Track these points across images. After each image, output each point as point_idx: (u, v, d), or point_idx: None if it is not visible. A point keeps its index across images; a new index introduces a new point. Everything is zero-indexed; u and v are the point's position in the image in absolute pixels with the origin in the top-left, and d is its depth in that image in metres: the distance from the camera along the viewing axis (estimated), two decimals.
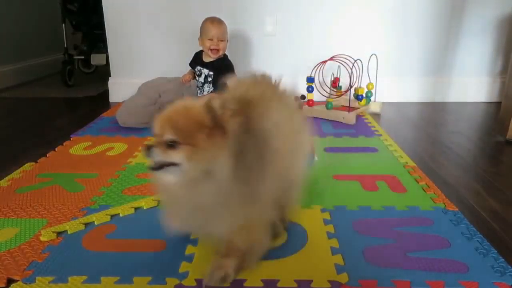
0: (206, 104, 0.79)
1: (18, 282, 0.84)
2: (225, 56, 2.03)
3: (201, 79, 2.02)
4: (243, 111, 0.82)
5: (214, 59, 1.98)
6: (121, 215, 1.11)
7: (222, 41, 1.95)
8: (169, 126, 0.79)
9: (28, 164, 1.47)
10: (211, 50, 1.95)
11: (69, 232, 1.02)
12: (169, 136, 0.78)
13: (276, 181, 0.88)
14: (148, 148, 0.80)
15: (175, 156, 0.79)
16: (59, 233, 1.01)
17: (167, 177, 0.82)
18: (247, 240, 0.85)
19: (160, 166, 0.80)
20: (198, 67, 2.02)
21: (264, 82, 0.98)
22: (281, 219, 1.00)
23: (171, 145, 0.78)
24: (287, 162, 0.92)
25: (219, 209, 0.82)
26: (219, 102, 0.78)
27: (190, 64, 2.06)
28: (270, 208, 0.89)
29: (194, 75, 2.06)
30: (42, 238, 0.99)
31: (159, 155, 0.79)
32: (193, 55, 2.06)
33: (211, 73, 1.98)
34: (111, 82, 2.52)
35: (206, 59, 1.99)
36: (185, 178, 0.80)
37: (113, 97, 2.52)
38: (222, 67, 1.98)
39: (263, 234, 0.88)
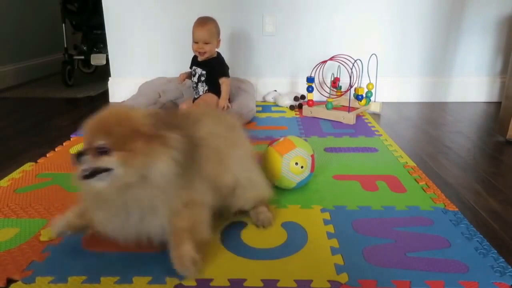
0: (147, 115, 0.81)
1: (18, 282, 0.84)
2: (218, 55, 2.02)
3: (195, 78, 2.01)
4: (180, 122, 0.88)
5: (207, 58, 1.98)
6: None
7: (207, 43, 1.91)
8: (100, 132, 0.79)
9: (28, 164, 1.47)
10: (198, 52, 1.95)
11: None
12: (100, 142, 0.78)
13: (207, 181, 0.92)
14: (78, 156, 0.79)
15: (108, 161, 0.78)
16: None
17: (99, 184, 0.80)
18: (189, 219, 0.86)
19: (91, 174, 0.79)
20: (194, 67, 2.02)
21: (204, 106, 1.08)
22: (263, 208, 1.07)
23: (103, 151, 0.78)
24: (218, 169, 0.96)
25: (154, 206, 0.82)
26: (158, 116, 0.82)
27: (190, 66, 2.07)
28: (204, 196, 0.90)
29: (191, 75, 2.06)
30: (42, 238, 0.99)
31: (90, 162, 0.79)
32: (190, 57, 2.06)
33: (204, 72, 1.98)
34: (111, 82, 2.52)
35: (200, 58, 1.99)
36: (115, 183, 0.79)
37: (113, 97, 2.52)
38: (215, 66, 1.98)
39: (202, 211, 0.89)
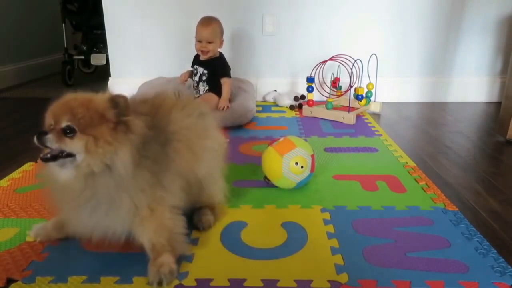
0: (111, 98, 0.78)
1: (18, 282, 0.84)
2: (220, 55, 2.02)
3: (196, 78, 2.01)
4: (149, 112, 0.85)
5: (209, 58, 1.98)
6: None
7: (210, 42, 1.92)
8: (67, 113, 0.76)
9: (28, 164, 1.47)
10: (200, 51, 1.96)
11: None
12: (66, 123, 0.75)
13: (180, 177, 0.89)
14: (41, 134, 0.75)
15: (73, 145, 0.75)
16: None
17: (61, 171, 0.78)
18: (165, 233, 0.85)
19: (53, 157, 0.76)
20: (195, 66, 2.02)
21: (170, 96, 1.01)
22: (211, 210, 1.05)
23: (68, 133, 0.75)
24: (191, 162, 0.93)
25: (119, 197, 0.80)
26: (123, 100, 0.78)
27: (192, 65, 2.06)
28: (176, 198, 0.88)
29: (192, 74, 2.05)
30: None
31: (54, 143, 0.75)
32: (190, 57, 2.06)
33: (206, 71, 1.98)
34: (111, 82, 2.52)
35: (202, 57, 1.99)
36: (81, 171, 0.77)
37: None
38: (217, 66, 1.98)
39: (173, 220, 0.88)
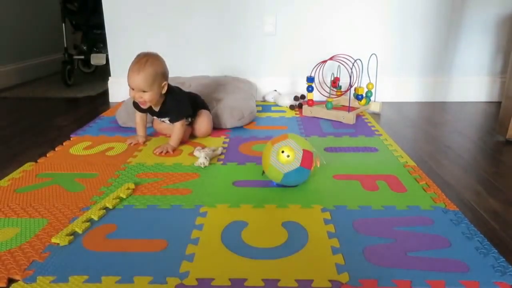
0: None
1: (19, 282, 0.84)
2: (168, 97, 1.61)
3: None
4: None
5: (161, 109, 1.62)
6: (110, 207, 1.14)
7: (145, 92, 1.51)
8: None
9: (28, 164, 1.47)
10: (138, 101, 1.57)
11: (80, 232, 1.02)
12: None
13: None
14: None
15: None
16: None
17: None
18: None
19: None
20: (154, 117, 1.72)
21: None
22: None
23: None
24: None
25: None
26: None
27: (136, 107, 1.66)
28: None
29: (145, 120, 1.71)
30: (53, 240, 0.98)
31: None
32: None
33: (166, 118, 1.67)
34: (111, 82, 2.52)
35: (154, 107, 1.62)
36: None
37: (113, 97, 2.52)
38: (170, 113, 1.64)
39: None
